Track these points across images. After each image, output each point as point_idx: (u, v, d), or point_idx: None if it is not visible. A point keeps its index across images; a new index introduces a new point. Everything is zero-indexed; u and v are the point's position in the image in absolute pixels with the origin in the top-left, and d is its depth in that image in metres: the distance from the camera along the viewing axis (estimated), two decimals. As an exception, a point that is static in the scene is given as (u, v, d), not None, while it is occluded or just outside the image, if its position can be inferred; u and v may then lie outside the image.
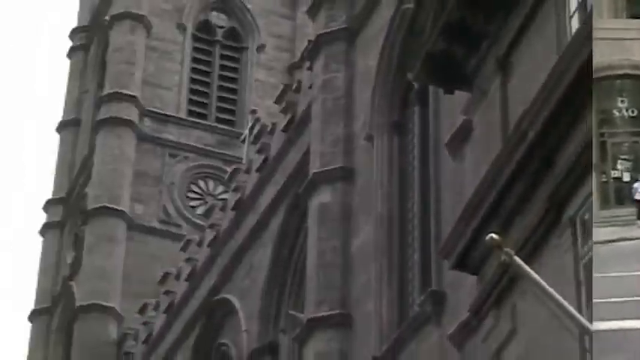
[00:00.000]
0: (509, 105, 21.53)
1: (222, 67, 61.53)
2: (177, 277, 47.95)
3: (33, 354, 59.63)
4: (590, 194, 18.81)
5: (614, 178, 41.70)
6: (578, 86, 18.76)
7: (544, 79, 19.48)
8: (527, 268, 14.68)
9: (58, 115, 66.58)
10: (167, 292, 48.34)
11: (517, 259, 14.90)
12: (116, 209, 54.63)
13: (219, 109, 59.89)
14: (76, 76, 65.49)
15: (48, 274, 61.32)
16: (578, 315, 14.71)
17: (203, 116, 59.45)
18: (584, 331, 15.20)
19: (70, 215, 60.63)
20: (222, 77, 61.23)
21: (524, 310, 19.71)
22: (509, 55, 21.93)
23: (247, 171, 44.53)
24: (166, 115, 58.23)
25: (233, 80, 61.16)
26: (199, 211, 54.45)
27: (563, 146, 19.14)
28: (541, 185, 19.57)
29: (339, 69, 37.40)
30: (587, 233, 18.78)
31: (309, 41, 40.82)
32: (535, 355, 19.37)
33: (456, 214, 22.59)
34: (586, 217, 18.89)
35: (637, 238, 35.41)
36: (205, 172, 57.03)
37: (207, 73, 61.00)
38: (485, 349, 21.10)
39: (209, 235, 46.38)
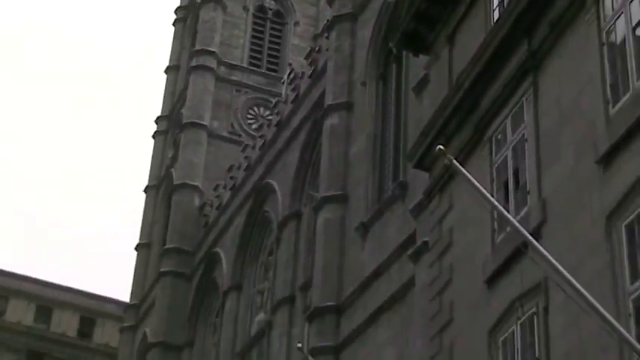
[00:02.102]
0: (453, 65, 21.61)
1: (271, 35, 61.29)
2: (238, 167, 48.06)
3: (146, 214, 59.83)
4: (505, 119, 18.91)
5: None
6: (495, 55, 18.92)
7: (475, 49, 19.66)
8: (461, 168, 14.76)
9: (164, 63, 66.60)
10: (232, 177, 48.48)
11: (455, 162, 14.94)
12: (200, 123, 54.71)
13: (269, 62, 59.70)
14: (178, 36, 65.36)
15: (156, 164, 61.50)
16: (491, 198, 14.86)
17: (258, 66, 59.28)
18: (493, 207, 15.18)
19: (172, 126, 60.67)
20: (270, 42, 61.03)
21: (457, 195, 19.91)
22: (455, 32, 21.96)
23: (285, 102, 44.59)
24: (234, 64, 58.12)
25: (277, 44, 61.00)
26: (254, 126, 54.46)
27: (486, 92, 19.31)
28: (471, 117, 19.74)
29: (346, 39, 37.40)
30: (500, 146, 18.95)
31: (327, 20, 40.85)
32: (462, 223, 19.58)
33: (417, 134, 22.72)
34: (498, 137, 19.07)
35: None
36: (258, 101, 56.97)
37: (261, 39, 60.81)
38: (432, 219, 21.27)
39: (259, 142, 46.52)
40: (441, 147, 15.85)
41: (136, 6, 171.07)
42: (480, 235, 18.63)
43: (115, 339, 66.46)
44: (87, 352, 77.68)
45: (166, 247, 51.94)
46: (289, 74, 46.08)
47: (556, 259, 12.95)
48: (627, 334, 12.24)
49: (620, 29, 15.73)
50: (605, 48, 16.06)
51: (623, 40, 15.62)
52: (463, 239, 19.45)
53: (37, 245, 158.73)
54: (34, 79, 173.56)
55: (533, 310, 16.36)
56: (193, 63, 57.65)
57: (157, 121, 63.62)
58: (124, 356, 55.74)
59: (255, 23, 61.36)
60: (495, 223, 18.17)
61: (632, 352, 11.73)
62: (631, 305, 13.99)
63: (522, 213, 17.27)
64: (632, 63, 15.23)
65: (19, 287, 78.17)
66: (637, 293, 13.92)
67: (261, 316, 41.50)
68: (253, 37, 60.75)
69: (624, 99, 15.20)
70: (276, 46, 61.09)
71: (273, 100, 49.74)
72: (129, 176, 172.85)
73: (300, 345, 25.29)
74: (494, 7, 20.38)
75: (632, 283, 14.09)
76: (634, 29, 15.41)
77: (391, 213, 30.86)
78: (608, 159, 15.14)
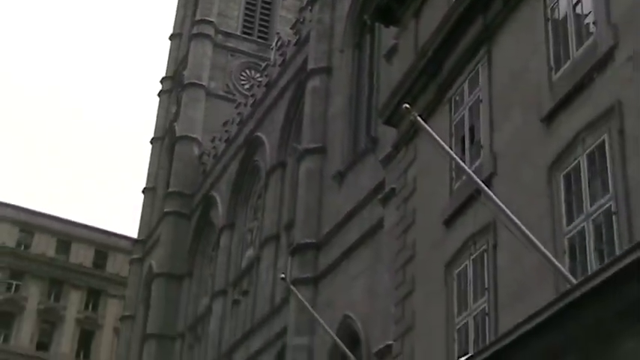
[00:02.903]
0: (419, 35, 21.52)
1: (262, 7, 60.76)
2: (232, 122, 47.93)
3: (152, 162, 59.68)
4: (463, 83, 18.89)
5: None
6: (455, 27, 18.86)
7: (438, 22, 19.58)
8: (424, 124, 14.78)
9: (169, 31, 66.27)
10: (226, 131, 48.38)
11: (419, 119, 14.95)
12: (200, 84, 54.48)
13: (260, 31, 59.29)
14: (182, 7, 64.75)
15: (161, 119, 61.23)
16: (450, 151, 14.87)
17: (250, 34, 58.88)
18: (452, 159, 15.22)
19: (175, 86, 60.32)
20: (262, 13, 60.52)
21: (421, 148, 19.91)
22: (421, 7, 21.82)
23: (273, 66, 44.36)
24: (229, 32, 57.73)
25: (268, 15, 60.50)
26: (246, 87, 54.23)
27: (447, 59, 19.27)
28: (434, 80, 19.70)
29: (327, 11, 37.16)
30: (458, 106, 18.93)
31: (311, -5, 40.70)
32: (424, 172, 19.61)
33: (387, 95, 22.68)
34: (457, 98, 19.05)
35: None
36: (250, 65, 56.67)
37: (253, 11, 60.30)
38: (399, 169, 21.29)
39: (250, 100, 46.33)
40: (407, 106, 15.87)
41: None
42: (440, 182, 18.67)
43: (125, 269, 66.62)
44: (101, 280, 78.43)
45: (169, 190, 51.99)
46: (277, 42, 45.82)
47: (504, 204, 13.02)
48: (562, 268, 12.34)
49: (563, 7, 15.78)
50: (549, 23, 16.06)
51: (565, 16, 15.66)
52: (425, 186, 19.49)
53: (62, 187, 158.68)
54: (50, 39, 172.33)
55: (484, 247, 16.45)
56: (194, 31, 57.29)
57: (162, 81, 63.28)
58: (133, 284, 55.87)
59: (248, -4, 60.96)
60: (453, 173, 18.20)
61: (565, 283, 11.81)
62: (566, 244, 14.08)
63: (476, 164, 17.30)
64: (572, 36, 15.29)
65: (42, 224, 78.99)
66: (572, 234, 14.01)
67: (250, 251, 41.64)
68: (247, 9, 60.27)
69: (565, 66, 15.24)
70: (267, 17, 60.67)
71: (263, 64, 49.52)
72: (137, 130, 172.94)
73: (283, 276, 25.31)
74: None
75: (567, 225, 14.18)
76: (574, 7, 15.47)
77: (364, 163, 30.91)
78: (550, 118, 15.20)
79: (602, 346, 5.62)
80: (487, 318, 15.87)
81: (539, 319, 5.97)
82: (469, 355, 7.10)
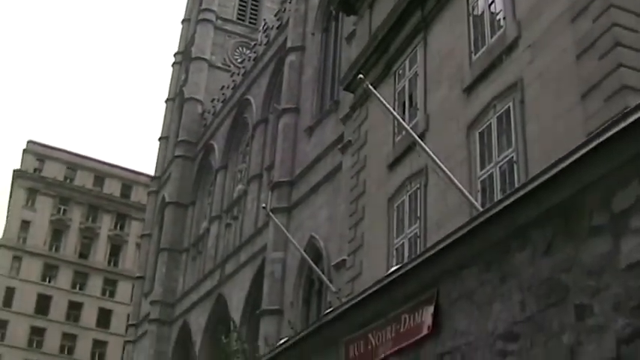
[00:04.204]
0: (372, 23, 21.40)
1: (252, -1, 60.04)
2: (228, 87, 47.42)
3: (166, 117, 58.74)
4: (404, 60, 18.80)
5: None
6: (400, 18, 18.74)
7: (387, 13, 19.47)
8: (374, 91, 14.76)
9: (180, 17, 65.15)
10: (223, 94, 47.83)
11: (371, 87, 14.92)
12: (203, 57, 53.66)
13: (251, 17, 58.17)
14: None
15: (173, 84, 60.10)
16: (393, 111, 14.89)
17: (243, 20, 57.88)
18: (395, 118, 15.21)
19: (184, 59, 58.91)
20: (252, 4, 59.24)
21: (371, 109, 19.86)
22: (374, 1, 21.69)
23: (260, 45, 43.85)
24: (227, 18, 56.69)
25: (257, 5, 59.37)
26: (239, 60, 53.54)
27: (393, 42, 19.19)
28: (383, 57, 19.63)
29: (302, 3, 36.54)
30: (401, 78, 18.89)
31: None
32: (373, 128, 19.61)
33: (347, 68, 22.58)
34: (400, 72, 18.99)
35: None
36: (242, 44, 55.85)
37: (246, 1, 59.10)
38: (354, 125, 21.27)
39: (242, 70, 45.78)
40: (362, 76, 15.84)
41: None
42: (385, 136, 18.71)
43: (145, 199, 66.53)
44: (127, 207, 79.74)
45: (179, 139, 51.54)
46: (264, 26, 45.18)
47: (434, 154, 13.08)
48: (476, 203, 12.47)
49: (481, 5, 15.84)
50: (470, 17, 16.09)
51: (482, 13, 15.70)
52: (374, 138, 19.51)
53: (100, 135, 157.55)
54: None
55: (418, 186, 16.55)
56: (200, 17, 56.26)
57: (175, 55, 62.23)
58: (150, 210, 55.64)
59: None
60: (395, 129, 18.23)
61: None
62: (479, 184, 14.22)
63: (413, 122, 17.36)
64: (487, 27, 15.33)
65: (84, 163, 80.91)
66: (483, 177, 14.14)
67: (240, 187, 41.54)
68: (241, 0, 59.27)
69: (481, 50, 15.27)
70: (256, 7, 59.60)
71: (252, 43, 48.84)
72: (156, 93, 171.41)
73: (264, 205, 25.34)
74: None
75: (480, 170, 14.30)
76: (489, 6, 15.50)
77: (328, 120, 30.79)
78: (470, 89, 15.25)
79: (500, 257, 5.74)
80: (418, 240, 16.03)
81: (454, 237, 6.08)
82: (401, 264, 7.22)
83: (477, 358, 5.90)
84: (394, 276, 7.18)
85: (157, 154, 58.57)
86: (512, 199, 5.50)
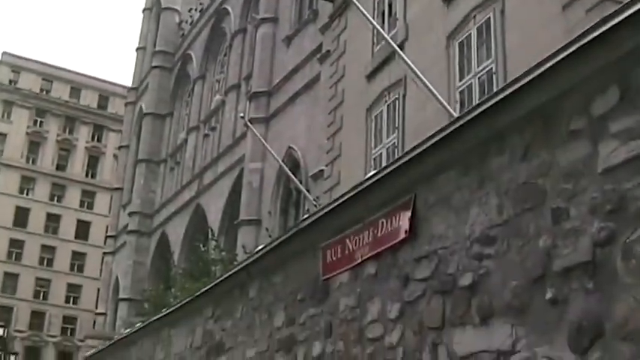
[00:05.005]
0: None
1: None
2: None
3: (144, 26, 57.53)
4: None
5: None
6: None
7: None
8: (354, 0, 14.52)
9: None
10: (201, 3, 46.58)
11: (349, -5, 14.66)
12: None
13: None
14: None
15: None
16: (373, 21, 14.68)
17: None
18: (374, 27, 15.01)
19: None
20: None
21: (351, 18, 19.60)
22: None
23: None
24: None
25: None
26: None
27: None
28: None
29: None
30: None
31: None
32: (352, 37, 19.39)
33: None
34: None
35: None
36: None
37: None
38: (333, 34, 20.95)
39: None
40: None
41: None
42: (364, 45, 18.52)
43: (122, 110, 65.81)
44: (104, 118, 79.34)
45: (156, 49, 50.72)
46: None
47: (413, 64, 12.97)
48: (454, 113, 12.44)
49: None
50: None
51: None
52: (353, 48, 19.32)
53: (75, 46, 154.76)
54: None
55: (396, 96, 16.50)
56: None
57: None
58: (128, 121, 55.24)
59: None
60: (374, 38, 18.04)
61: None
62: (458, 95, 14.19)
63: (393, 32, 17.16)
64: None
65: (60, 74, 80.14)
66: (462, 88, 14.10)
67: (217, 97, 41.19)
68: None
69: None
70: None
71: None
72: (132, 3, 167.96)
73: (242, 115, 25.18)
74: None
75: (459, 81, 14.25)
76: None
77: (307, 30, 30.34)
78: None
79: (478, 162, 5.74)
80: (396, 150, 16.07)
81: (431, 142, 6.07)
82: (379, 169, 7.24)
83: (453, 262, 5.97)
84: (371, 181, 7.19)
85: (134, 65, 57.71)
86: (490, 103, 5.46)
